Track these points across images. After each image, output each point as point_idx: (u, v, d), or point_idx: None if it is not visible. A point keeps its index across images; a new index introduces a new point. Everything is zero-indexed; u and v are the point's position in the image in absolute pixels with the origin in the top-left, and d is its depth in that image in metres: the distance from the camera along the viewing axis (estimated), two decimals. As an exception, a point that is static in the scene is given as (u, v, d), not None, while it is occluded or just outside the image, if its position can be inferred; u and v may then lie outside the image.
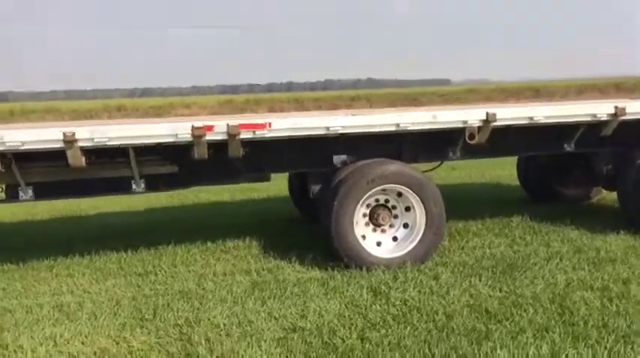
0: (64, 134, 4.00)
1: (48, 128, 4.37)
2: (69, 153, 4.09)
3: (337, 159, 5.00)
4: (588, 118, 5.07)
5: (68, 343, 3.46)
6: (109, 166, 4.54)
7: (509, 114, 4.83)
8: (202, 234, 5.69)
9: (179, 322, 3.70)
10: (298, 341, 3.35)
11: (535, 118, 4.84)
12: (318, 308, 3.83)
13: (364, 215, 4.78)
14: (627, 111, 5.03)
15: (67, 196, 4.90)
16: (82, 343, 3.45)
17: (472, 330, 3.40)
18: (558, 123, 5.03)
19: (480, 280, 4.25)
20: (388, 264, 4.57)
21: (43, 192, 4.54)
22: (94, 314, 3.90)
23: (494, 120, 4.71)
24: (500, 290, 4.05)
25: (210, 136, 4.30)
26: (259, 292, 4.18)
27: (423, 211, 4.68)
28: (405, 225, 4.79)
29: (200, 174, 4.80)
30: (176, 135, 4.24)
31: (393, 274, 4.41)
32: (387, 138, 4.90)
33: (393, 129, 4.65)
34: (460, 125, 4.75)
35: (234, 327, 3.59)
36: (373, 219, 4.78)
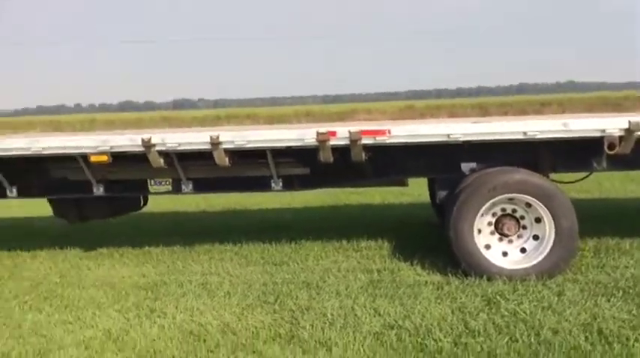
0: (210, 137, 4.65)
1: (200, 132, 5.09)
2: (215, 153, 4.74)
3: (465, 166, 4.98)
4: None
5: (201, 315, 4.04)
6: (251, 166, 5.10)
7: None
8: (341, 232, 6.05)
9: (293, 308, 4.09)
10: (393, 338, 3.51)
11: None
12: (423, 310, 3.93)
13: (489, 223, 4.71)
14: None
15: (219, 191, 5.61)
16: (212, 316, 4.00)
17: (574, 348, 3.24)
18: None
19: (609, 301, 3.96)
20: (510, 275, 4.45)
21: (200, 186, 5.27)
22: (228, 293, 4.47)
23: (639, 130, 4.31)
24: (628, 313, 3.74)
25: (333, 141, 4.63)
26: (373, 289, 4.39)
27: (552, 223, 4.47)
28: (535, 237, 4.61)
29: (329, 177, 5.15)
30: (303, 139, 4.65)
31: (513, 286, 4.30)
32: (519, 147, 4.75)
33: (519, 137, 4.52)
34: (597, 134, 4.43)
35: (339, 318, 3.86)
36: (499, 229, 4.69)
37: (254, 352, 3.38)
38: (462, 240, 4.54)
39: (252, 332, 3.69)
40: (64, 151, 4.90)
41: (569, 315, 3.73)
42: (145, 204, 6.30)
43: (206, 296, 4.43)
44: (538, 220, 4.57)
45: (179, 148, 4.77)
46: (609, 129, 4.40)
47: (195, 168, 5.14)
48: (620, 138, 4.41)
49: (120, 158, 4.97)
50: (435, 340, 3.45)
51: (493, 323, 3.66)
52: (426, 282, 4.52)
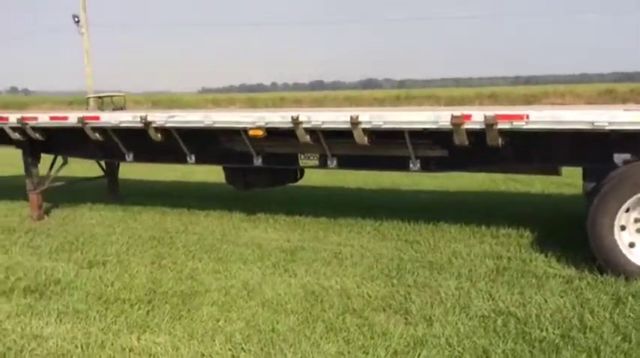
0: (350, 117, 4.99)
1: (341, 112, 5.44)
2: (354, 132, 5.06)
3: (618, 157, 4.64)
4: None
5: (326, 279, 4.43)
6: (390, 146, 5.33)
7: None
8: (485, 217, 6.00)
9: (411, 284, 4.29)
10: (498, 323, 3.54)
11: None
12: (541, 301, 3.86)
13: (636, 220, 4.38)
14: None
15: (361, 168, 5.94)
16: (335, 281, 4.37)
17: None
18: None
19: None
20: (648, 276, 4.13)
21: (343, 162, 5.65)
22: (355, 263, 4.81)
23: None
24: None
25: (468, 125, 4.65)
26: (496, 276, 4.40)
27: None
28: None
29: (468, 160, 5.17)
30: (437, 122, 4.75)
31: None
32: None
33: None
34: None
35: (451, 298, 3.97)
36: (645, 226, 4.34)
37: (360, 317, 3.67)
38: (600, 235, 4.30)
39: (366, 300, 3.98)
40: (229, 125, 5.62)
41: None
42: (301, 177, 6.92)
43: (335, 263, 4.82)
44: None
45: (323, 126, 5.18)
46: None
47: (339, 145, 5.52)
48: None
49: (275, 133, 5.55)
50: (540, 330, 3.41)
51: (612, 322, 3.49)
52: (556, 275, 4.39)
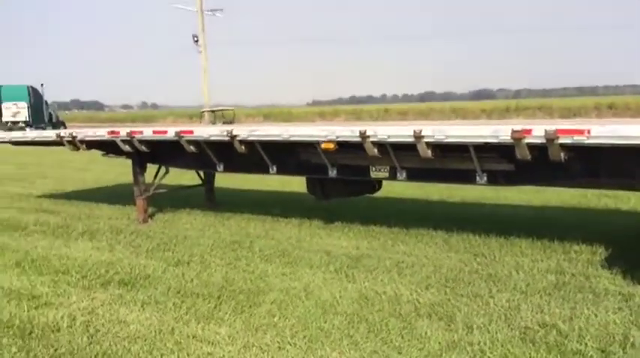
0: (414, 131, 5.20)
1: (406, 126, 5.65)
2: (418, 146, 5.27)
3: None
4: None
5: (382, 285, 4.67)
6: (456, 159, 5.46)
7: None
8: (561, 233, 5.93)
9: (463, 294, 4.42)
10: (538, 335, 3.61)
11: None
12: (591, 316, 3.86)
13: None
14: None
15: (429, 180, 6.11)
16: (390, 288, 4.60)
17: None
18: None
19: None
20: None
21: (412, 175, 5.85)
22: (415, 272, 5.00)
23: None
24: None
25: (529, 139, 4.70)
26: (554, 290, 4.42)
27: None
28: None
29: (534, 174, 5.18)
30: (497, 136, 4.83)
31: None
32: None
33: None
34: None
35: (499, 309, 4.07)
36: None
37: (404, 321, 3.89)
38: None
39: (414, 306, 4.18)
40: (304, 139, 6.05)
41: None
42: (379, 188, 7.20)
43: (395, 271, 5.05)
44: None
45: (388, 140, 5.44)
46: None
47: (407, 158, 5.74)
48: None
49: (347, 146, 5.88)
50: (579, 343, 3.45)
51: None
52: (616, 292, 4.33)
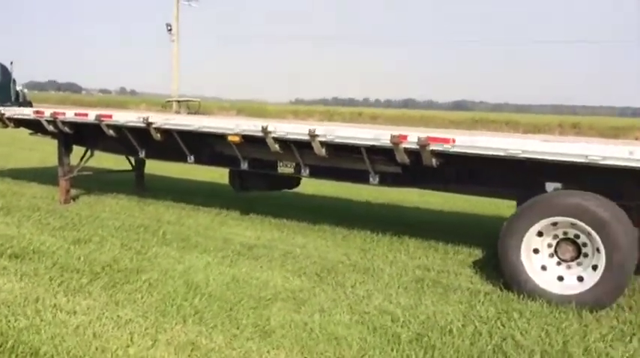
0: (308, 130, 5.52)
1: (301, 124, 5.97)
2: (313, 144, 5.58)
3: (550, 186, 4.87)
4: None
5: (259, 272, 4.95)
6: (351, 160, 5.79)
7: None
8: (448, 235, 6.31)
9: (329, 282, 4.74)
10: (370, 319, 3.93)
11: None
12: (429, 306, 4.21)
13: (549, 245, 4.58)
14: None
15: (330, 178, 6.40)
16: (267, 275, 4.87)
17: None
18: None
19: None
20: (549, 298, 4.35)
21: (315, 172, 6.17)
22: (298, 262, 5.29)
23: None
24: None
25: (405, 145, 5.04)
26: (412, 283, 4.80)
27: (603, 253, 4.19)
28: (595, 267, 4.34)
29: (419, 178, 5.53)
30: (379, 139, 5.18)
31: (546, 307, 4.26)
32: (606, 173, 4.47)
33: (580, 160, 4.31)
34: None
35: (352, 297, 4.39)
36: (557, 252, 4.54)
37: (258, 302, 4.18)
38: (506, 254, 4.56)
39: (277, 291, 4.47)
40: (213, 130, 6.31)
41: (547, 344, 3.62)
42: (297, 184, 7.53)
43: (279, 261, 5.34)
44: (599, 249, 4.30)
45: (287, 136, 5.75)
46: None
47: (310, 156, 6.04)
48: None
49: (254, 141, 6.16)
50: (402, 327, 3.80)
51: (474, 329, 3.81)
52: (466, 288, 4.70)
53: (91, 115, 7.09)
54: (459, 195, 8.20)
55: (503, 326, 3.91)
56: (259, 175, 6.88)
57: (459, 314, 4.09)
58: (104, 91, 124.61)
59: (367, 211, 8.33)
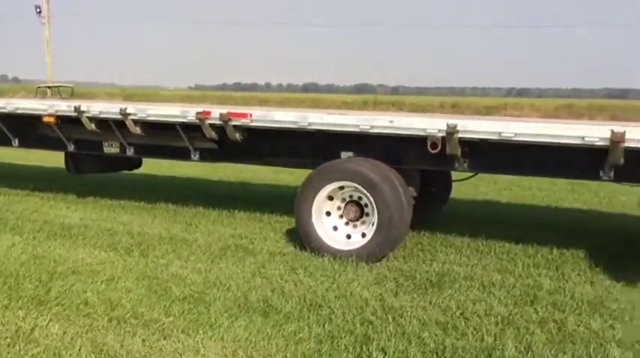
0: (120, 109, 5.60)
1: (115, 103, 6.05)
2: (126, 122, 5.67)
3: (344, 155, 5.27)
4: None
5: (50, 248, 5.02)
6: (170, 137, 5.92)
7: (481, 127, 4.33)
8: (265, 207, 6.63)
9: (139, 254, 4.89)
10: (153, 281, 4.14)
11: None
12: (223, 269, 4.49)
13: (338, 208, 5.01)
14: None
15: (154, 157, 6.53)
16: (60, 251, 4.93)
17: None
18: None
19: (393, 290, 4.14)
20: (336, 254, 4.78)
21: (139, 151, 6.23)
22: (112, 239, 5.37)
23: (455, 132, 4.32)
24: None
25: (210, 121, 5.27)
26: (218, 251, 5.03)
27: (376, 212, 4.67)
28: (374, 224, 4.81)
29: (236, 153, 5.75)
30: (186, 117, 5.38)
31: (326, 263, 4.68)
32: (387, 141, 4.94)
33: (354, 130, 4.77)
34: (421, 133, 4.52)
35: (151, 265, 4.58)
36: (344, 213, 4.99)
37: (48, 273, 4.26)
38: (300, 217, 4.93)
39: (70, 266, 4.56)
40: (27, 112, 6.20)
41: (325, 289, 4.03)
42: (139, 165, 7.55)
43: (89, 238, 5.40)
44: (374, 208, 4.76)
45: (100, 116, 5.79)
46: (430, 130, 4.45)
47: (132, 135, 6.10)
48: (443, 138, 4.45)
49: (73, 121, 6.12)
50: (178, 286, 4.06)
51: (254, 284, 4.13)
52: (269, 252, 5.04)
53: None
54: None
55: (282, 280, 4.27)
56: (93, 157, 6.83)
57: (248, 274, 4.40)
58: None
59: (212, 189, 8.52)
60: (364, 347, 3.19)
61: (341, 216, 5.00)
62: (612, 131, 3.98)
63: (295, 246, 5.19)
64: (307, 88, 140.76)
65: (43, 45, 30.76)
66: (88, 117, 5.84)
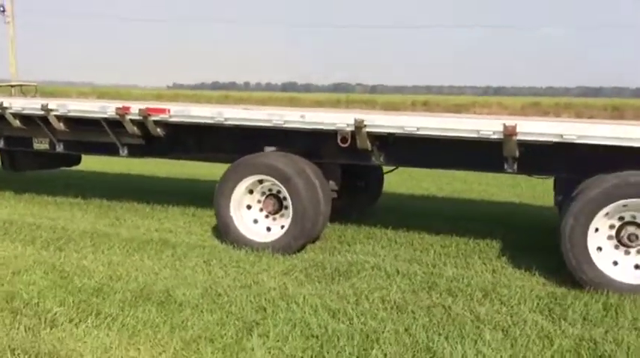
0: (41, 105, 5.60)
1: (36, 100, 6.05)
2: (49, 118, 5.67)
3: (268, 149, 5.33)
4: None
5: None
6: (97, 133, 5.92)
7: (387, 121, 4.46)
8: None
9: (58, 248, 4.91)
10: (58, 273, 4.18)
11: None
12: (138, 258, 4.53)
13: (258, 201, 5.08)
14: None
15: (83, 152, 6.54)
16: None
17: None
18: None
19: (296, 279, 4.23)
20: (254, 246, 4.86)
21: (68, 147, 6.22)
22: (42, 233, 5.38)
23: (362, 126, 4.46)
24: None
25: (130, 116, 5.30)
26: (144, 244, 5.08)
27: (291, 205, 4.75)
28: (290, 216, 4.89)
29: (164, 149, 5.76)
30: (106, 112, 5.40)
31: (243, 255, 4.75)
32: (307, 136, 5.02)
33: (268, 125, 4.87)
34: (331, 128, 4.63)
35: (70, 258, 4.60)
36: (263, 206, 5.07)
37: None
38: (219, 208, 4.99)
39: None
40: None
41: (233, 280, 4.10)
42: (79, 162, 7.53)
43: (14, 234, 5.41)
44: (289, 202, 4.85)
45: (23, 112, 5.78)
46: (339, 124, 4.56)
47: (60, 131, 6.09)
48: (352, 133, 4.56)
49: (1, 118, 6.09)
50: (81, 276, 4.11)
51: (152, 276, 4.18)
52: (189, 245, 5.10)
53: None
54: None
55: (192, 272, 4.33)
56: (29, 154, 6.79)
57: (159, 266, 4.46)
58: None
59: (149, 185, 8.53)
60: (248, 332, 3.27)
61: (261, 210, 5.07)
62: (504, 124, 4.11)
63: (217, 240, 5.25)
64: (286, 87, 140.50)
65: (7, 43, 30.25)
66: (11, 113, 5.82)
